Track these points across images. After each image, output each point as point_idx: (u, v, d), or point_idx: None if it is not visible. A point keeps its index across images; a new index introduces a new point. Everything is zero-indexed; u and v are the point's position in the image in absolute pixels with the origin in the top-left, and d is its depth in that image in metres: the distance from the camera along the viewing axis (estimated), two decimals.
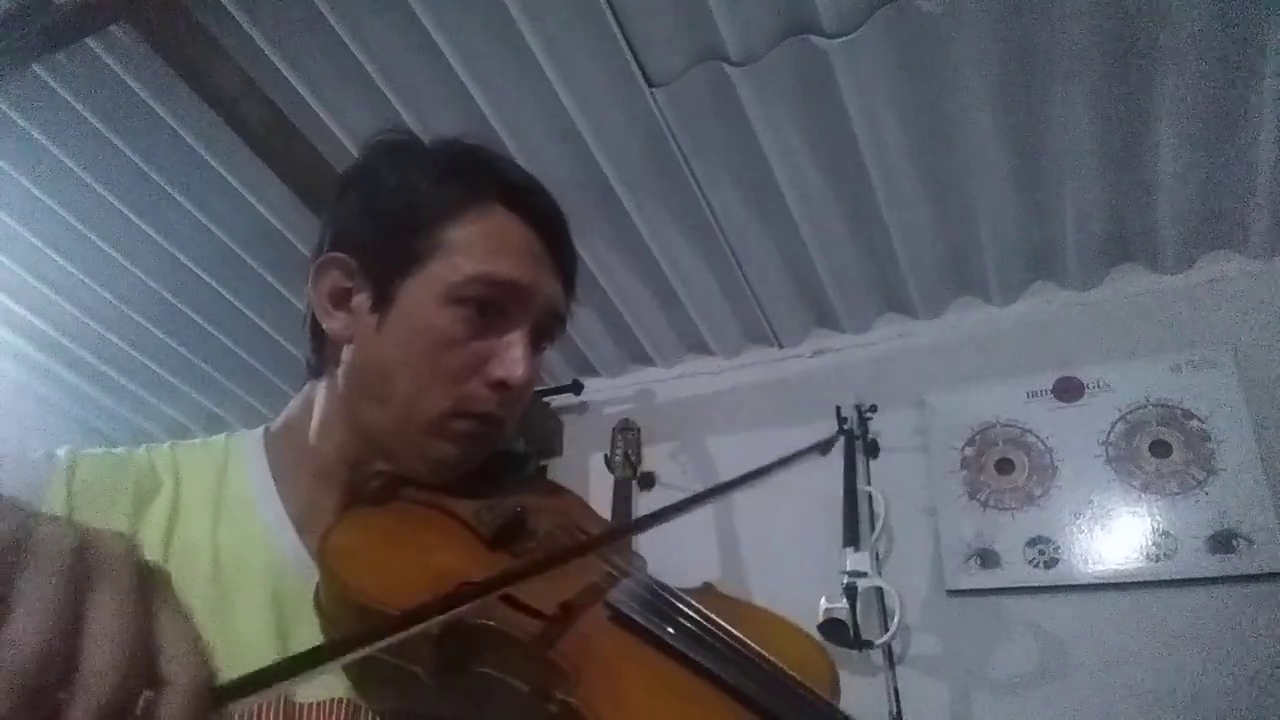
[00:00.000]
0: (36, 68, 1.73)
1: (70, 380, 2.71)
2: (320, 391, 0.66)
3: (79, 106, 1.82)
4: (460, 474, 0.64)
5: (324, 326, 0.64)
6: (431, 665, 0.50)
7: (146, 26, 1.51)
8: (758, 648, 0.53)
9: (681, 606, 0.56)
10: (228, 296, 2.32)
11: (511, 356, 0.62)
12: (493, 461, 0.67)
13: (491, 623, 0.51)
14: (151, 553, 0.54)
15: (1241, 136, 1.59)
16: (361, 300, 0.63)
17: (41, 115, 1.85)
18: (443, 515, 0.62)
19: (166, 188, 2.01)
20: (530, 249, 0.65)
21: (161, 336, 2.49)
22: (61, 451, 0.58)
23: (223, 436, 0.67)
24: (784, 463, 0.63)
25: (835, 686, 0.56)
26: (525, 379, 0.63)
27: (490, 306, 0.62)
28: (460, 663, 0.50)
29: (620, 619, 0.55)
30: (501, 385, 0.62)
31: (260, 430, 0.68)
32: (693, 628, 0.54)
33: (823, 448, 0.73)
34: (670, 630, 0.54)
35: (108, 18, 1.54)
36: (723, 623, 0.55)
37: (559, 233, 0.68)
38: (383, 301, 0.62)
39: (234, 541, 0.59)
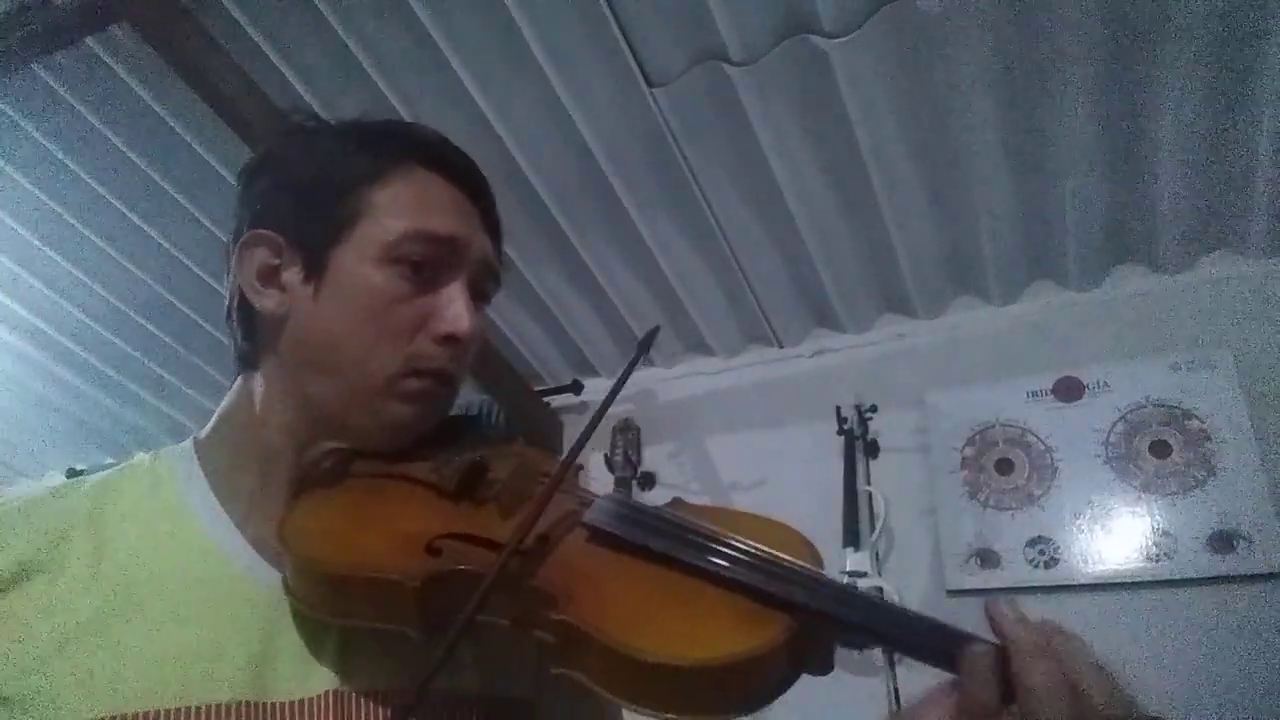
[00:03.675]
0: (36, 68, 1.73)
1: (70, 380, 2.71)
2: (257, 380, 0.65)
3: (79, 106, 1.82)
4: (414, 436, 0.64)
5: (256, 306, 0.63)
6: (418, 622, 0.51)
7: (146, 26, 1.51)
8: (736, 537, 0.54)
9: (655, 513, 0.57)
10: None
11: (455, 310, 0.62)
12: (440, 426, 0.67)
13: (470, 567, 0.52)
14: (81, 584, 0.54)
15: (1241, 136, 1.59)
16: (293, 274, 0.63)
17: (41, 115, 1.85)
18: (398, 480, 0.62)
19: (166, 187, 2.01)
20: (457, 205, 0.65)
21: (161, 336, 2.49)
22: None
23: (146, 456, 0.66)
24: None
25: (816, 558, 0.56)
26: (471, 330, 0.63)
27: (425, 264, 0.62)
28: (446, 614, 0.50)
29: (599, 536, 0.56)
30: (450, 339, 0.62)
31: (188, 441, 0.66)
32: (670, 529, 0.55)
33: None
34: (649, 535, 0.55)
35: (108, 18, 1.54)
36: (698, 521, 0.56)
37: (482, 189, 0.68)
38: (315, 271, 0.62)
39: (175, 555, 0.58)
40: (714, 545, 0.53)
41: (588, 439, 0.60)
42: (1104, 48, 1.46)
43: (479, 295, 0.67)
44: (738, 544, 0.53)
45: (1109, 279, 1.97)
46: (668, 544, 0.54)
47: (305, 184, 0.64)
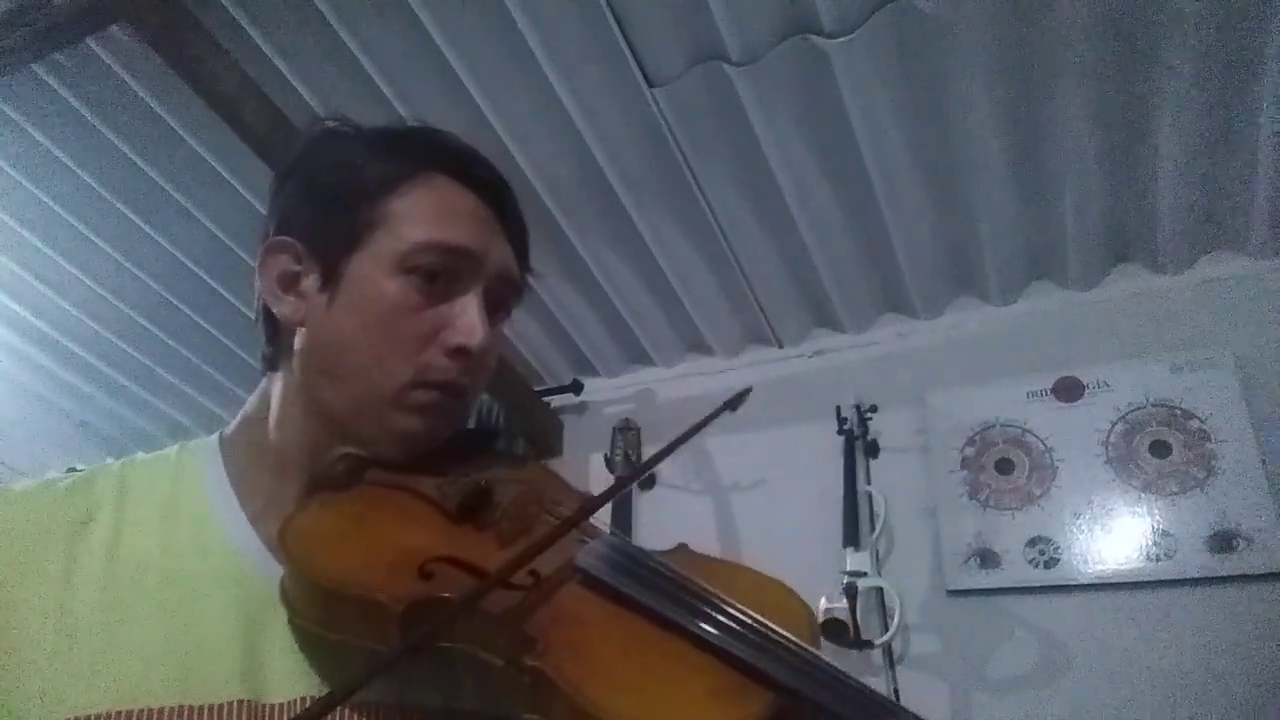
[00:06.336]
0: (36, 68, 1.72)
1: (70, 380, 2.71)
2: (277, 382, 0.66)
3: (79, 106, 1.82)
4: (426, 448, 0.63)
5: (275, 311, 0.64)
6: (397, 643, 0.50)
7: (146, 26, 1.51)
8: (731, 599, 0.52)
9: (651, 565, 0.55)
10: (228, 296, 2.31)
11: (466, 321, 0.61)
12: (459, 439, 0.67)
13: (455, 596, 0.51)
14: (93, 573, 0.54)
15: (1241, 136, 1.59)
16: (311, 282, 0.63)
17: (41, 115, 1.85)
18: (406, 494, 0.61)
19: (166, 187, 2.01)
20: (477, 215, 0.65)
21: (161, 336, 2.49)
22: None
23: (175, 447, 0.67)
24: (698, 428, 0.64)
25: (814, 633, 0.55)
26: (483, 344, 0.62)
27: (440, 274, 0.62)
28: (426, 639, 0.49)
29: (589, 581, 0.54)
30: (460, 351, 0.61)
31: (215, 436, 0.67)
32: (664, 585, 0.53)
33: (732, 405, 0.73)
34: (640, 588, 0.53)
35: (108, 18, 1.54)
36: (695, 578, 0.54)
37: (505, 199, 0.68)
38: (331, 279, 0.62)
39: (189, 548, 0.58)
40: (707, 608, 0.51)
41: (601, 504, 0.57)
42: (1104, 47, 1.46)
43: (497, 307, 0.66)
44: (733, 609, 0.51)
45: (1109, 279, 1.97)
46: (660, 601, 0.52)
47: (326, 191, 0.64)
